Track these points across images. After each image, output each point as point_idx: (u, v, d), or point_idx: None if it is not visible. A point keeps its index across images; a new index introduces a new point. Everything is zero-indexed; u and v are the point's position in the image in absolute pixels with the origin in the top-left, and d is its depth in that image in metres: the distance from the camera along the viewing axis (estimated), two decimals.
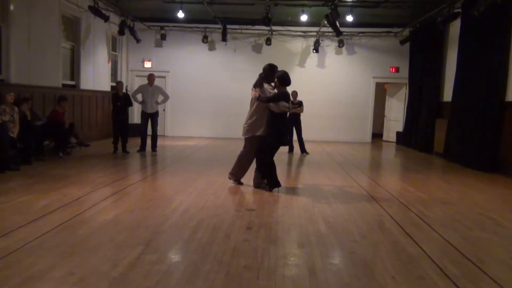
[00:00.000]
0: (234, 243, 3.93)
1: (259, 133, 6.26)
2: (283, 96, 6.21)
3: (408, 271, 3.42)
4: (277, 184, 6.34)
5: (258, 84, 6.35)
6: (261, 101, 6.16)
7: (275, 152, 6.42)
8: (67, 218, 4.53)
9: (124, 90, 10.70)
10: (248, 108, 6.46)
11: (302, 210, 5.29)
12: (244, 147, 6.52)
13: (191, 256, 3.61)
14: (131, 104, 10.34)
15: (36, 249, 3.59)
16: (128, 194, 5.87)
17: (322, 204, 5.63)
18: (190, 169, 8.11)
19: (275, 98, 6.12)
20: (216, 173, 7.65)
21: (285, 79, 6.25)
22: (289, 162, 10.04)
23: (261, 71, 6.46)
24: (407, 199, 6.06)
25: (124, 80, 14.39)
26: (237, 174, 6.69)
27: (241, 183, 6.67)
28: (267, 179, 6.38)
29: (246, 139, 6.48)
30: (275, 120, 6.19)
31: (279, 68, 6.44)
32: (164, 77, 14.79)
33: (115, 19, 13.05)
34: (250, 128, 6.33)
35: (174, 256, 3.65)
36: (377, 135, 15.99)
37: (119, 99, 9.87)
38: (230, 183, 6.71)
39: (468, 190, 6.98)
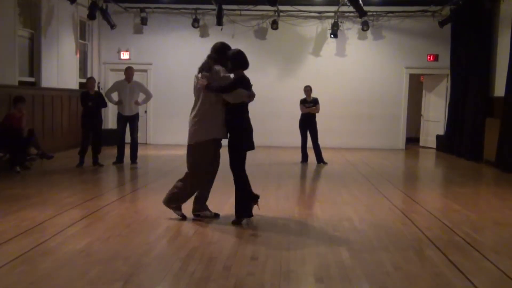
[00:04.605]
0: (235, 278, 3.92)
1: (206, 137, 5.61)
2: (241, 81, 5.58)
3: None
4: (250, 213, 5.72)
5: (205, 67, 5.67)
6: (210, 90, 5.48)
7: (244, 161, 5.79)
8: (27, 248, 4.53)
9: (96, 88, 10.76)
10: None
11: (320, 235, 5.29)
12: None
13: None
14: (105, 105, 10.40)
15: None
16: (102, 218, 5.88)
17: (345, 227, 5.62)
18: None
19: (231, 85, 5.50)
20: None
21: (240, 59, 5.65)
22: (303, 175, 10.04)
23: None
24: (451, 220, 6.04)
25: (96, 76, 14.48)
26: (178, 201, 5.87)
27: (185, 217, 5.88)
28: (241, 205, 5.68)
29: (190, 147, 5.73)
30: (236, 116, 5.59)
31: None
32: (145, 71, 14.90)
33: (83, 0, 13.17)
34: (195, 131, 5.64)
35: None
36: (412, 140, 15.98)
37: (89, 98, 9.93)
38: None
39: None
